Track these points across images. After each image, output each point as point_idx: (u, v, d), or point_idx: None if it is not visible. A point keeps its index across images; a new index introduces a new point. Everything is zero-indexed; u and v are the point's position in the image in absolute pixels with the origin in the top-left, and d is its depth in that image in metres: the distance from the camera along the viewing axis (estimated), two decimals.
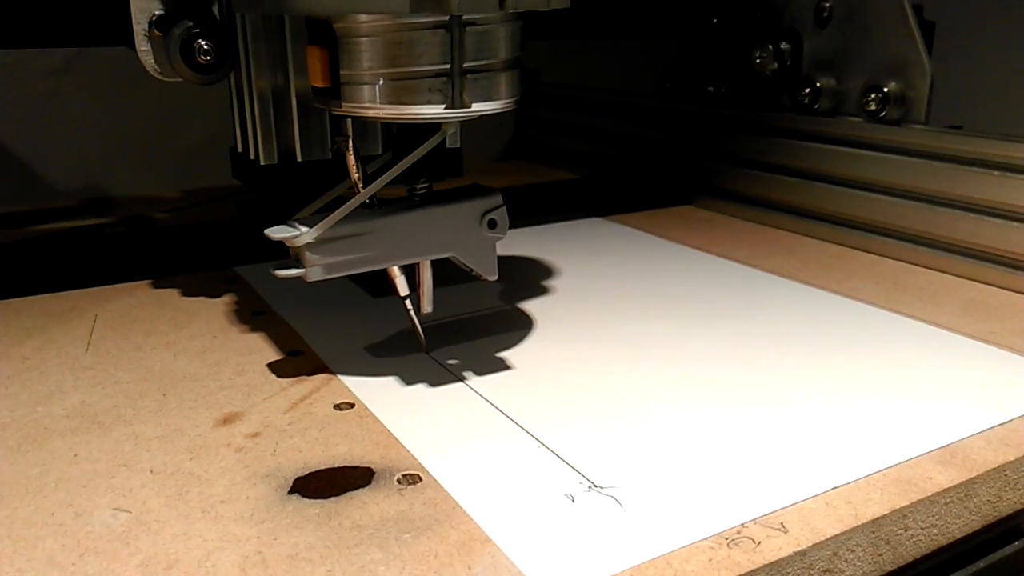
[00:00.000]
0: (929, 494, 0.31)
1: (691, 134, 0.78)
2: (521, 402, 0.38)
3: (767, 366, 0.42)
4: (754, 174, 0.72)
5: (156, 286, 0.54)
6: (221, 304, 0.51)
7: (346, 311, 0.49)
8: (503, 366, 0.42)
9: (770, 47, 0.69)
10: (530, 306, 0.50)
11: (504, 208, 0.41)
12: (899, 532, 0.31)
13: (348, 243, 0.38)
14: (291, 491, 0.31)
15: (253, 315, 0.49)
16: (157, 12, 0.43)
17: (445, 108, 0.35)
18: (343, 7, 0.34)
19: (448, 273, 0.43)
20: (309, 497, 0.31)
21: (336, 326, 0.47)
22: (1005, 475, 0.34)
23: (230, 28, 0.44)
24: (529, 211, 0.73)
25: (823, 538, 0.29)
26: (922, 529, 0.31)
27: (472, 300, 0.51)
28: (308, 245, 0.37)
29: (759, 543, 0.28)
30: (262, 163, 0.46)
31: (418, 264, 0.41)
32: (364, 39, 0.35)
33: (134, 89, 0.88)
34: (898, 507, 0.30)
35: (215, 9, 0.44)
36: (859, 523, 0.29)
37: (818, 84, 0.66)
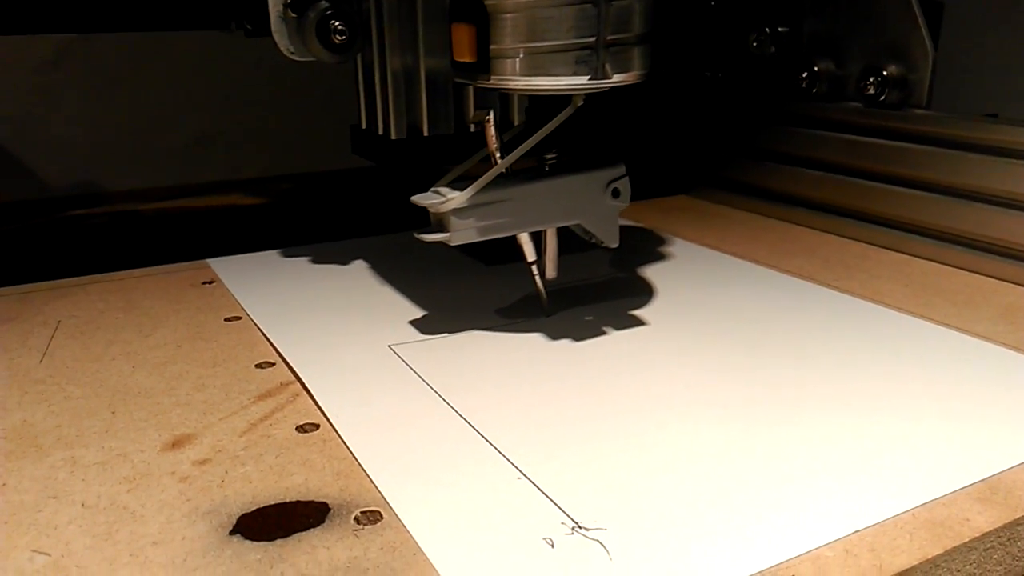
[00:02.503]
0: (967, 539, 0.27)
1: (687, 120, 0.76)
2: (504, 425, 0.34)
3: (780, 384, 0.38)
4: (759, 163, 0.68)
5: (132, 282, 0.51)
6: (193, 308, 0.47)
7: (327, 318, 0.46)
8: (486, 383, 0.38)
9: (767, 30, 0.66)
10: (526, 317, 0.46)
11: (627, 177, 0.43)
12: None
13: (488, 210, 0.40)
14: (233, 531, 0.27)
15: (225, 321, 0.45)
16: None
17: (589, 79, 0.37)
18: None
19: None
20: (252, 539, 0.27)
21: (314, 334, 0.43)
22: None
23: (361, 9, 0.47)
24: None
25: None
26: None
27: (469, 311, 0.47)
28: (453, 211, 0.39)
29: None
30: (393, 137, 0.49)
31: (545, 231, 0.43)
32: (515, 14, 0.37)
33: (126, 81, 0.85)
34: (930, 556, 0.26)
35: None
36: (884, 575, 0.25)
37: (816, 68, 0.63)
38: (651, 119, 0.79)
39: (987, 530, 0.27)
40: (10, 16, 0.54)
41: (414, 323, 0.45)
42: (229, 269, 0.54)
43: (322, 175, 0.89)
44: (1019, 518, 0.28)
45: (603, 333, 0.43)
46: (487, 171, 0.40)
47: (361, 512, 0.28)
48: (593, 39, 0.37)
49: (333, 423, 0.34)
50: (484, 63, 0.38)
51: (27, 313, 0.47)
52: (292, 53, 0.45)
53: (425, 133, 0.49)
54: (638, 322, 0.45)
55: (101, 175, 0.87)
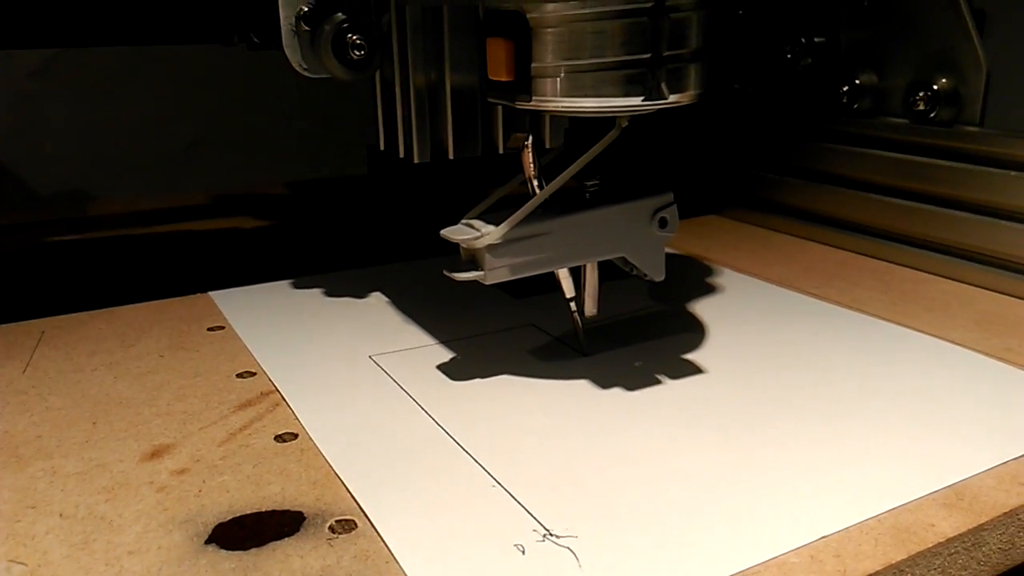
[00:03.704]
0: (931, 544, 0.27)
1: (716, 136, 0.72)
2: (481, 434, 0.34)
3: (750, 389, 0.38)
4: (793, 182, 0.64)
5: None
6: (176, 318, 0.48)
7: (310, 328, 0.46)
8: (466, 393, 0.38)
9: (803, 40, 0.61)
10: (523, 328, 0.47)
11: (675, 206, 0.39)
12: None
13: (525, 245, 0.36)
14: (209, 540, 0.28)
15: (208, 331, 0.46)
16: (306, 6, 0.41)
17: (643, 100, 0.34)
18: None
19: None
20: (227, 548, 0.27)
21: (295, 345, 0.44)
22: (1019, 519, 0.30)
23: (381, 21, 0.43)
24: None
25: None
26: None
27: (469, 322, 0.48)
28: (488, 247, 0.36)
29: None
30: (415, 161, 0.45)
31: (584, 265, 0.39)
32: (559, 28, 0.33)
33: (115, 91, 0.86)
34: (895, 561, 0.27)
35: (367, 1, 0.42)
36: None
37: (858, 81, 0.58)
38: (678, 136, 0.75)
39: (951, 535, 0.28)
40: (2, 30, 0.53)
41: (396, 334, 0.45)
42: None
43: (322, 186, 0.88)
44: (984, 523, 0.29)
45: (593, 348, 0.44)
46: (521, 200, 0.37)
47: (336, 521, 0.29)
48: (648, 55, 0.33)
49: (310, 433, 0.35)
50: (524, 82, 0.34)
51: (11, 323, 0.47)
52: (305, 70, 0.42)
53: (451, 156, 0.45)
54: (623, 336, 0.45)
55: (91, 183, 0.87)
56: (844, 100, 0.59)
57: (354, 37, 0.41)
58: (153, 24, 0.52)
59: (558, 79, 0.34)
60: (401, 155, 0.46)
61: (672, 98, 0.34)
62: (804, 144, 0.64)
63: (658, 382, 0.39)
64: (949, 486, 0.30)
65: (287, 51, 0.41)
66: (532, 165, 0.37)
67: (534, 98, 0.34)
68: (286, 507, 0.30)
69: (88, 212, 0.78)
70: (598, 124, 0.37)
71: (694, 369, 0.40)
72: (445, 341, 0.44)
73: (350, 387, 0.39)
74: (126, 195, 0.84)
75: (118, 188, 0.86)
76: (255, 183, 0.87)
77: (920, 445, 0.33)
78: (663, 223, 0.39)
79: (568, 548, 0.27)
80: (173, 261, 0.63)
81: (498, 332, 0.45)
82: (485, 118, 0.46)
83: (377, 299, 0.50)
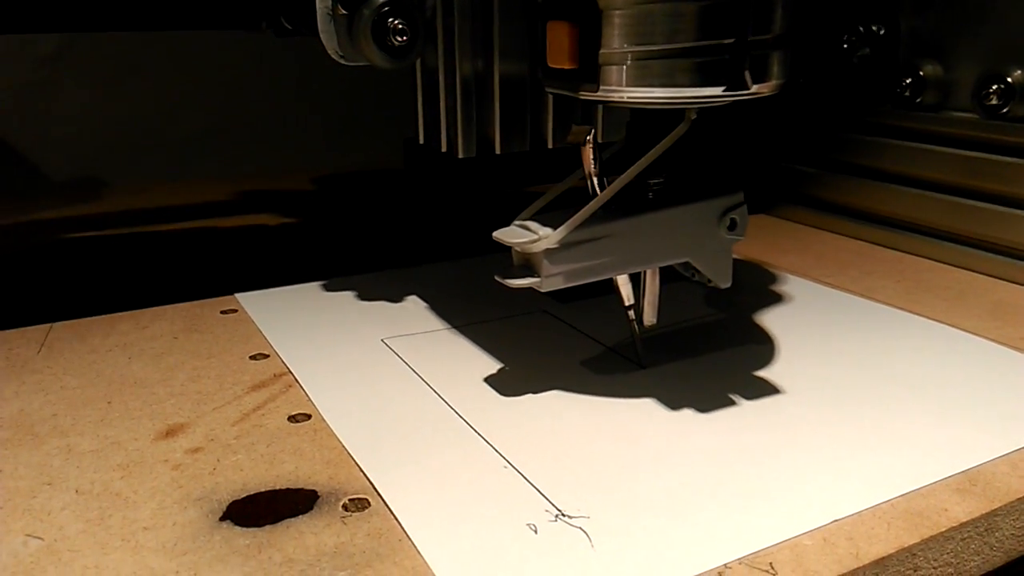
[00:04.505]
0: (943, 529, 0.27)
1: (766, 131, 0.68)
2: (493, 416, 0.34)
3: (764, 375, 0.38)
4: (848, 180, 0.61)
5: None
6: (189, 301, 0.48)
7: (321, 311, 0.46)
8: (478, 376, 0.38)
9: (860, 29, 0.57)
10: (535, 314, 0.47)
11: (745, 206, 0.36)
12: (907, 573, 0.27)
13: (584, 249, 0.33)
14: (224, 517, 0.28)
15: (222, 314, 0.46)
16: None
17: (724, 90, 0.31)
18: None
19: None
20: (242, 525, 0.27)
21: (308, 328, 0.44)
22: None
23: (424, 5, 0.40)
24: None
25: None
26: (934, 569, 0.28)
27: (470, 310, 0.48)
28: (546, 251, 0.33)
29: None
30: (460, 156, 0.42)
31: (645, 271, 0.37)
32: (631, 10, 0.30)
33: (129, 77, 0.86)
34: (907, 544, 0.27)
35: None
36: (860, 564, 0.26)
37: (921, 72, 0.55)
38: (725, 130, 0.73)
39: (964, 520, 0.28)
40: (22, 13, 0.52)
41: (408, 318, 0.45)
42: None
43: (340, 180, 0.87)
44: (996, 509, 0.29)
45: (604, 332, 0.44)
46: (577, 200, 0.34)
47: (349, 500, 0.29)
48: (731, 40, 0.30)
49: (323, 413, 0.35)
50: (590, 70, 0.31)
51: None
52: (341, 57, 0.39)
53: (497, 151, 0.42)
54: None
55: (103, 170, 0.87)
56: (907, 93, 0.56)
57: (396, 22, 0.38)
58: (177, 8, 0.51)
59: (627, 66, 0.31)
60: (443, 149, 0.43)
61: (755, 88, 0.31)
62: (859, 139, 0.60)
63: (667, 365, 0.39)
64: (962, 472, 0.30)
65: (322, 37, 0.39)
66: (594, 162, 0.34)
67: (601, 88, 0.31)
68: (300, 486, 0.30)
69: (107, 207, 0.77)
70: (664, 117, 0.34)
71: (705, 352, 0.40)
72: (457, 326, 0.44)
73: (362, 369, 0.39)
74: (143, 185, 0.84)
75: (134, 176, 0.87)
76: (280, 177, 0.85)
77: (934, 431, 0.33)
78: (732, 225, 0.36)
79: (580, 528, 0.27)
80: (195, 264, 0.60)
81: (510, 318, 0.45)
82: (535, 110, 0.43)
83: (388, 280, 0.50)
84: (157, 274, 0.55)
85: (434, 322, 0.44)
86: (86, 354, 0.41)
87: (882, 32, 0.57)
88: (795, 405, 0.35)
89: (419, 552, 0.26)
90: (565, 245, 0.33)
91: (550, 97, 0.43)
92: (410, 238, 0.64)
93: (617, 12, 0.30)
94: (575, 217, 0.33)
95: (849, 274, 0.52)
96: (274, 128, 0.91)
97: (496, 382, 0.38)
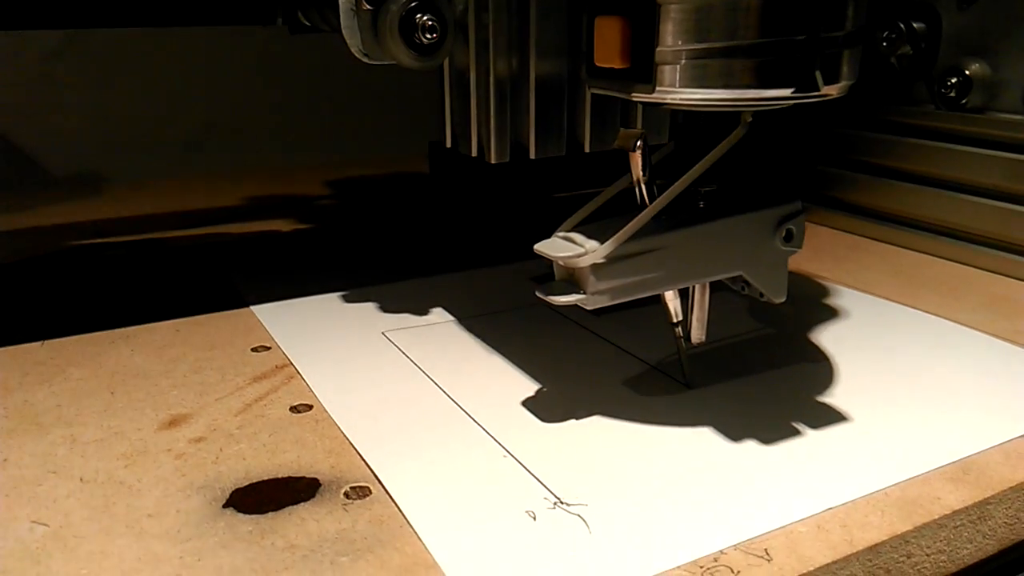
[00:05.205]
0: (936, 516, 0.28)
1: (799, 132, 0.65)
2: (492, 406, 0.35)
3: (762, 364, 0.38)
4: (887, 184, 0.58)
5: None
6: (192, 293, 0.48)
7: (323, 305, 0.46)
8: (478, 367, 0.39)
9: (901, 26, 0.54)
10: (534, 307, 0.47)
11: (803, 216, 0.34)
12: (901, 560, 0.27)
13: (633, 263, 0.31)
14: (227, 504, 0.28)
15: (224, 307, 0.46)
16: None
17: (794, 91, 0.29)
18: None
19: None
20: (245, 512, 0.28)
21: (309, 321, 0.44)
22: None
23: (451, 1, 0.37)
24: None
25: (812, 567, 0.25)
26: (927, 556, 0.28)
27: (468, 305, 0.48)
28: (593, 266, 0.31)
29: (738, 572, 0.25)
30: (492, 161, 0.40)
31: (694, 285, 0.34)
32: (690, 5, 0.28)
33: (130, 73, 0.86)
34: (900, 532, 0.27)
35: None
36: (854, 550, 0.26)
37: (968, 72, 0.52)
38: (757, 131, 0.70)
39: (957, 508, 0.28)
40: (28, 9, 0.50)
41: (408, 311, 0.45)
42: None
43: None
44: (989, 497, 0.29)
45: (603, 324, 0.44)
46: (623, 209, 0.32)
47: (351, 487, 0.29)
48: (802, 37, 0.28)
49: (324, 404, 0.35)
50: (644, 70, 0.29)
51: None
52: (365, 55, 0.37)
53: (532, 155, 0.40)
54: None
55: (105, 166, 0.87)
56: (952, 94, 0.53)
57: (424, 18, 0.36)
58: (190, 3, 0.50)
59: (682, 65, 0.28)
60: (473, 154, 0.41)
61: (825, 89, 0.29)
62: (899, 142, 0.58)
63: (664, 356, 0.39)
64: (956, 461, 0.31)
65: (345, 34, 0.36)
66: (642, 167, 0.32)
67: (657, 89, 0.29)
68: (302, 474, 0.30)
69: (115, 213, 0.74)
70: (716, 120, 0.32)
71: (700, 344, 0.41)
72: (457, 319, 0.44)
73: (363, 361, 0.39)
74: (146, 182, 0.84)
75: (138, 174, 0.87)
76: (292, 181, 0.82)
77: (928, 421, 0.33)
78: (788, 236, 0.34)
79: (579, 515, 0.27)
80: (205, 272, 0.55)
81: (509, 311, 0.45)
82: (571, 111, 0.41)
83: (388, 273, 0.51)
84: (160, 275, 0.56)
85: (435, 315, 0.45)
86: (88, 345, 0.41)
87: (923, 29, 0.54)
88: (790, 393, 0.36)
89: (420, 538, 0.26)
90: (612, 259, 0.31)
91: (588, 97, 0.40)
92: (435, 247, 0.60)
93: (674, 6, 0.28)
94: (624, 229, 0.31)
95: (845, 268, 0.52)
96: (285, 127, 0.90)
97: (494, 373, 0.38)
